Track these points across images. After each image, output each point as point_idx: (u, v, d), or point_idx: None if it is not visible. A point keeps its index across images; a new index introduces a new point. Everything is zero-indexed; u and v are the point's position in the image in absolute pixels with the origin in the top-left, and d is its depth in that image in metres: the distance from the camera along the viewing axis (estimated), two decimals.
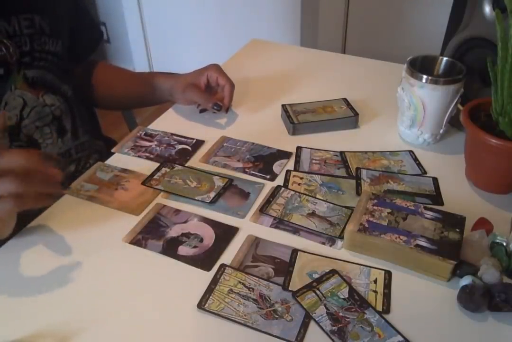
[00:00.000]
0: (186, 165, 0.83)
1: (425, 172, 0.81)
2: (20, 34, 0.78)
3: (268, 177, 0.80)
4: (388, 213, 0.67)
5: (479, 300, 0.58)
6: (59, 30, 0.85)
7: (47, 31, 0.82)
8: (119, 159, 0.84)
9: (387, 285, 0.62)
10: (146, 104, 1.08)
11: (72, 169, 0.89)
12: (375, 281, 0.62)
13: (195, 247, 0.67)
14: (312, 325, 0.57)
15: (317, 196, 0.76)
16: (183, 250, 0.67)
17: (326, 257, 0.66)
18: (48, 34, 0.82)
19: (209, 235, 0.69)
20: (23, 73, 0.79)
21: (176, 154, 0.85)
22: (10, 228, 0.63)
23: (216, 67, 0.94)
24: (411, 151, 0.86)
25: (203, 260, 0.65)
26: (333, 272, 0.63)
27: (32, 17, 0.79)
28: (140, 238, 0.69)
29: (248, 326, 0.57)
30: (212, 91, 0.96)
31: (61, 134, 0.86)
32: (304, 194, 0.76)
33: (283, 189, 0.77)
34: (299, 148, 0.87)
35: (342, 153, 0.85)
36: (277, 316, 0.58)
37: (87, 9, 0.99)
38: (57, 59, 0.85)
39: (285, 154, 0.85)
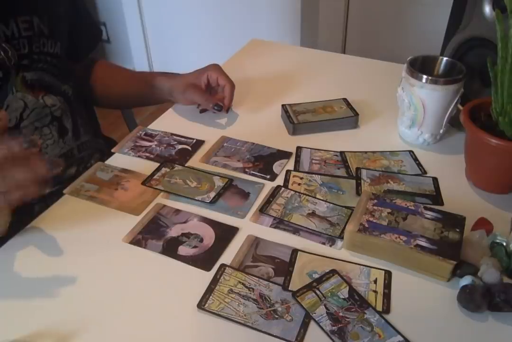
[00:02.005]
0: (186, 165, 0.83)
1: (425, 172, 0.81)
2: (19, 37, 0.77)
3: (268, 177, 0.80)
4: (388, 213, 0.67)
5: (479, 300, 0.58)
6: (58, 31, 0.85)
7: (46, 33, 0.81)
8: (119, 159, 0.84)
9: (387, 285, 0.62)
10: (145, 103, 1.07)
11: (73, 172, 0.89)
12: (375, 281, 0.62)
13: (195, 247, 0.67)
14: (312, 325, 0.57)
15: (317, 196, 0.76)
16: (183, 250, 0.67)
17: (326, 257, 0.66)
18: (47, 36, 0.81)
19: (209, 235, 0.69)
20: (21, 75, 0.78)
21: (176, 154, 0.85)
22: (5, 225, 0.62)
23: (216, 67, 0.94)
24: (411, 151, 0.86)
25: (203, 260, 0.65)
26: (333, 272, 0.63)
27: (31, 19, 0.78)
28: (140, 238, 0.69)
29: (248, 326, 0.57)
30: (212, 92, 0.96)
31: (62, 134, 0.86)
32: (304, 194, 0.76)
33: (283, 189, 0.77)
34: (299, 148, 0.87)
35: (342, 153, 0.85)
36: (277, 316, 0.58)
37: (86, 8, 0.99)
38: (56, 60, 0.84)
39: (285, 154, 0.85)
